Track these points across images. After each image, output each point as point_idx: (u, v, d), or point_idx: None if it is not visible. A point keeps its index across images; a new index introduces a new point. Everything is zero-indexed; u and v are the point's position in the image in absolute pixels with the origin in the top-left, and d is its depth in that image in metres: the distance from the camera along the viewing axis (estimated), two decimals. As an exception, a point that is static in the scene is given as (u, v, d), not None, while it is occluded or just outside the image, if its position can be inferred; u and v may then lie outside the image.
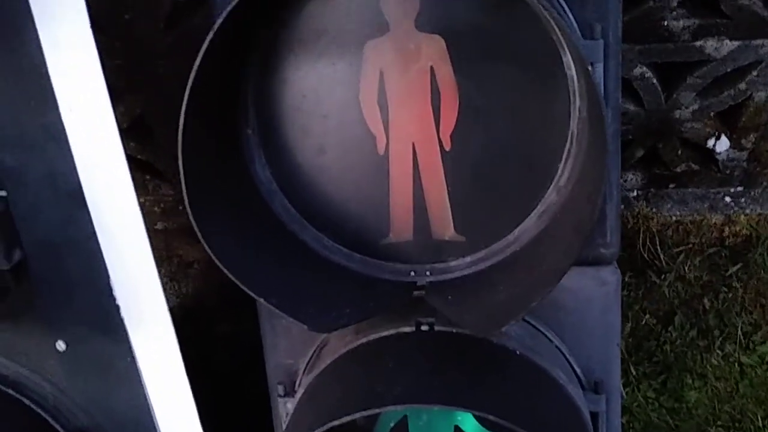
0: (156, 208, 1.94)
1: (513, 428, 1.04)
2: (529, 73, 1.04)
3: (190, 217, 1.01)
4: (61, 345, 1.14)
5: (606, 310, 1.19)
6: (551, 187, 1.07)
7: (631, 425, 1.65)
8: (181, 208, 1.99)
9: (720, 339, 1.68)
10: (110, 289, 1.08)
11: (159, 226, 1.93)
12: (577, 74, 1.00)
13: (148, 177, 1.86)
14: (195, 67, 0.89)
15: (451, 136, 1.07)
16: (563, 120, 1.04)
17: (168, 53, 1.55)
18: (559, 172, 1.06)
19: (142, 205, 1.15)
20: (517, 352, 1.10)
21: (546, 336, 1.20)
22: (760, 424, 1.59)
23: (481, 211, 1.11)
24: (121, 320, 1.11)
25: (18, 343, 1.15)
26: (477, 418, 1.17)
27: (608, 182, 0.92)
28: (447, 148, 1.08)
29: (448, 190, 1.10)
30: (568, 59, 1.00)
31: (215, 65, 0.94)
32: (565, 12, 1.02)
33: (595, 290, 1.18)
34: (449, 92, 1.05)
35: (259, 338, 1.35)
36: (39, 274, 1.09)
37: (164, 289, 1.17)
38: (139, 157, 1.76)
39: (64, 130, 0.98)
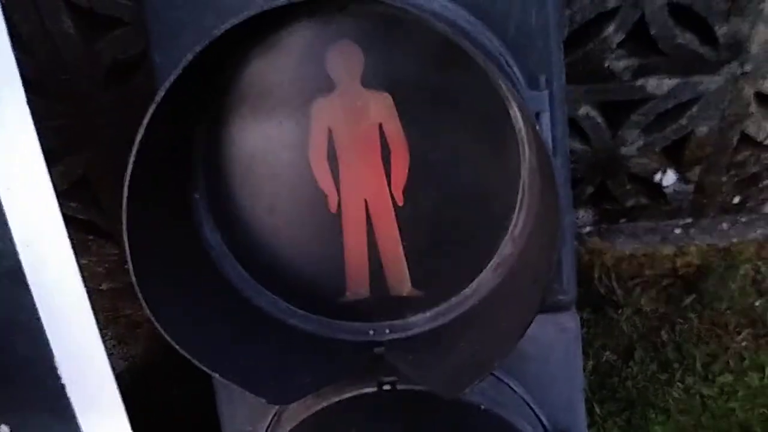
0: (100, 269, 1.88)
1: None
2: (478, 126, 1.03)
3: (136, 289, 0.97)
4: (4, 430, 1.08)
5: (568, 355, 1.18)
6: (506, 238, 1.06)
7: (598, 465, 1.64)
8: (125, 266, 1.94)
9: (680, 371, 1.69)
10: (55, 369, 1.03)
11: (104, 286, 1.88)
12: (524, 126, 1.00)
13: (91, 237, 1.80)
14: (139, 136, 0.86)
15: (403, 191, 1.06)
16: (515, 170, 1.04)
17: (108, 111, 1.51)
18: (513, 222, 1.05)
19: (85, 266, 1.10)
20: (482, 407, 1.08)
21: (509, 386, 1.19)
22: (725, 455, 1.60)
23: (437, 265, 1.09)
24: (68, 400, 1.06)
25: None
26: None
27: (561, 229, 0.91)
28: (400, 203, 1.06)
29: (403, 244, 1.08)
30: (515, 111, 1.00)
31: (160, 130, 0.91)
32: (509, 65, 1.03)
33: (555, 337, 1.17)
34: (399, 147, 1.04)
35: (213, 400, 1.30)
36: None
37: (111, 353, 1.12)
38: (81, 217, 1.71)
39: (1, 207, 0.93)
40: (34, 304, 1.00)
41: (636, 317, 1.78)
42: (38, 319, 1.01)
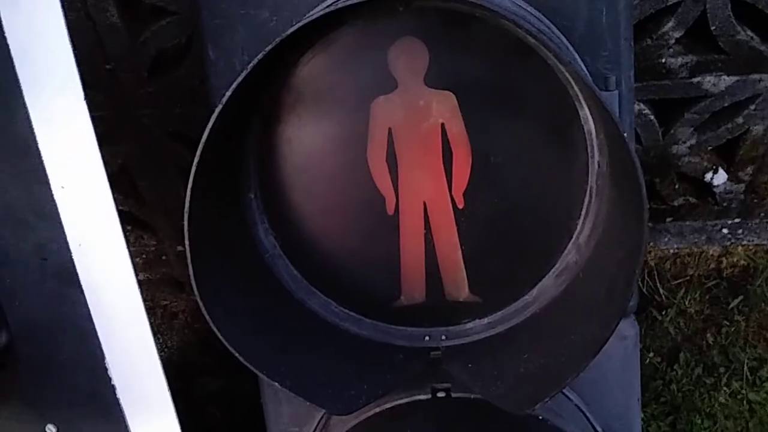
0: (138, 259, 1.87)
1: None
2: (543, 127, 1.00)
3: (193, 287, 0.95)
4: (51, 429, 1.07)
5: (626, 364, 1.15)
6: (570, 244, 1.03)
7: (640, 468, 1.61)
8: (164, 258, 1.92)
9: (726, 376, 1.65)
10: (106, 370, 1.01)
11: (141, 276, 1.86)
12: (596, 127, 0.96)
13: (129, 227, 1.79)
14: (205, 136, 0.83)
15: (463, 194, 1.02)
16: (581, 174, 1.00)
17: (150, 103, 1.49)
18: (578, 228, 1.02)
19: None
20: (540, 417, 1.05)
21: (565, 394, 1.15)
22: (772, 463, 1.57)
23: (496, 271, 1.06)
24: (117, 401, 1.04)
25: (6, 430, 1.07)
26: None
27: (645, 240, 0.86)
28: (460, 206, 1.03)
29: (461, 249, 1.05)
30: (585, 112, 0.96)
31: (218, 131, 0.88)
32: (578, 63, 0.99)
33: (614, 344, 1.13)
34: (461, 149, 1.01)
35: (252, 392, 1.29)
36: (27, 357, 1.01)
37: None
38: (120, 207, 1.69)
39: (55, 206, 0.91)
40: (86, 305, 0.97)
41: (680, 318, 1.74)
42: (90, 319, 0.98)
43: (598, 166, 0.98)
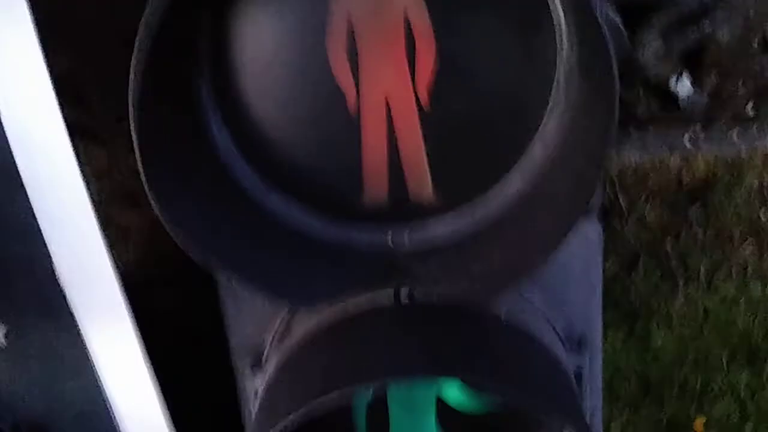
0: (89, 173, 1.80)
1: (497, 391, 1.00)
2: (510, 20, 0.95)
3: (145, 186, 0.91)
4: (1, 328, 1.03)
5: (588, 265, 1.15)
6: (535, 140, 1.00)
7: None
8: (115, 171, 1.86)
9: (683, 282, 1.68)
10: (53, 273, 0.97)
11: (93, 191, 1.80)
12: (565, 16, 0.92)
13: (78, 139, 1.71)
14: (150, 30, 0.77)
15: (427, 89, 0.98)
16: (548, 68, 0.97)
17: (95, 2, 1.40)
18: (543, 124, 0.99)
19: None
20: (502, 318, 1.05)
21: (526, 294, 1.15)
22: (725, 364, 1.61)
23: (460, 168, 1.03)
24: (68, 307, 1.00)
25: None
26: (460, 386, 1.12)
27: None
28: (424, 102, 0.99)
29: (425, 146, 1.02)
30: (555, 4, 0.92)
31: (165, 22, 0.82)
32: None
33: (577, 245, 1.13)
34: (425, 41, 0.96)
35: (211, 309, 1.26)
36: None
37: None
38: (68, 118, 1.61)
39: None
40: (28, 203, 0.92)
41: (640, 228, 1.75)
42: (34, 219, 0.94)
43: (567, 59, 0.95)
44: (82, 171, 1.72)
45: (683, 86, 1.62)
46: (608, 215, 1.76)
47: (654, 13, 1.47)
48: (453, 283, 0.95)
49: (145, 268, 1.85)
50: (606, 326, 1.65)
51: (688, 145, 1.78)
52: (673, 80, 1.62)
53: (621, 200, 1.78)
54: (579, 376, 1.16)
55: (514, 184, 1.01)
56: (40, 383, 1.10)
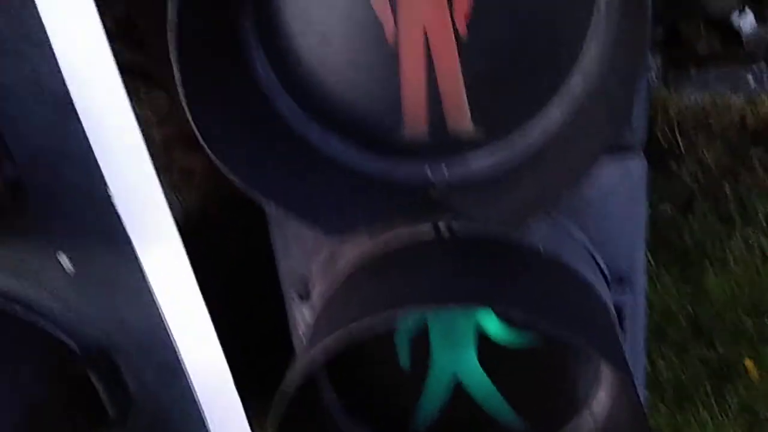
0: (152, 117, 1.86)
1: (537, 324, 1.01)
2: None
3: (190, 121, 0.95)
4: (66, 262, 1.10)
5: (631, 201, 1.14)
6: (575, 70, 0.99)
7: (648, 313, 1.63)
8: (177, 114, 1.91)
9: (740, 224, 1.64)
10: (110, 199, 1.03)
11: (156, 134, 1.86)
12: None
13: (139, 84, 1.77)
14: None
15: (466, 19, 0.98)
16: (588, -2, 0.95)
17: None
18: (584, 53, 0.98)
19: (136, 115, 1.08)
20: (541, 250, 1.06)
21: (569, 230, 1.15)
22: (781, 308, 1.57)
23: (499, 100, 1.03)
24: (126, 233, 1.06)
25: (22, 262, 1.11)
26: (500, 318, 1.14)
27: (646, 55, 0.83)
28: (462, 32, 0.99)
29: (463, 78, 1.02)
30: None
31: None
32: None
33: (619, 180, 1.12)
34: (463, -31, 0.96)
35: (268, 247, 1.31)
36: (34, 187, 1.03)
37: (167, 200, 1.12)
38: (127, 63, 1.67)
39: (46, 35, 0.89)
40: (84, 134, 0.98)
41: (698, 169, 1.71)
42: (90, 149, 0.99)
43: (607, -15, 0.93)
44: (144, 115, 1.79)
45: (746, 21, 1.56)
46: (664, 156, 1.73)
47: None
48: (490, 214, 0.96)
49: (208, 210, 1.92)
50: (657, 266, 1.64)
51: (752, 84, 1.71)
52: (735, 15, 1.55)
53: (679, 141, 1.74)
54: (620, 313, 1.16)
55: (553, 115, 1.01)
56: (103, 309, 1.17)
